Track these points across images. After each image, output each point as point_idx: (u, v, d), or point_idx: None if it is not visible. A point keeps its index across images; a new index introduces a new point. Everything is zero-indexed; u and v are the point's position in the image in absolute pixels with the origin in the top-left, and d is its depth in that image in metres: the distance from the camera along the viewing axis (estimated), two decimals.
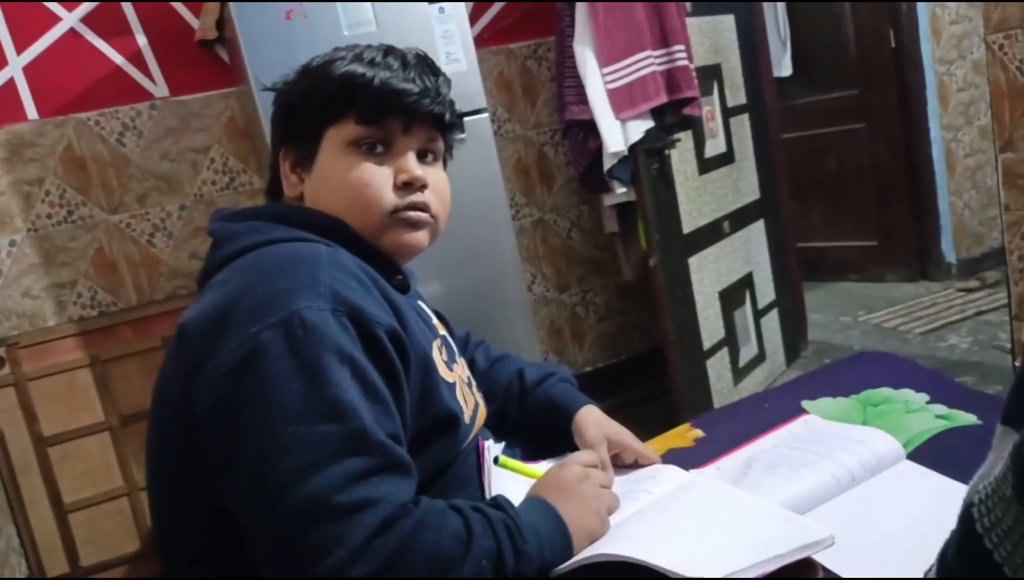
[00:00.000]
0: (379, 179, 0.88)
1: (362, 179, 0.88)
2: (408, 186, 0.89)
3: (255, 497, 0.69)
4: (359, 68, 0.88)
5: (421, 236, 0.92)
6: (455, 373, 0.94)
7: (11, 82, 2.14)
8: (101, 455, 2.21)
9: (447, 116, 0.93)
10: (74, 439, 2.18)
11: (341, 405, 0.70)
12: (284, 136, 0.95)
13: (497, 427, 1.08)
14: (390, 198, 0.89)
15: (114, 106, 2.24)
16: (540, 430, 1.09)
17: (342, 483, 0.66)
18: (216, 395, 0.72)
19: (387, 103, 0.88)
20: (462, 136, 1.05)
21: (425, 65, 0.92)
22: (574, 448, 1.03)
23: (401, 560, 0.66)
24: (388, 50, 0.92)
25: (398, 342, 0.79)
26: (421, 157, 0.93)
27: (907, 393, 1.14)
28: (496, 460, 0.94)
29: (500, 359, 1.17)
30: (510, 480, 0.94)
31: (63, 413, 2.17)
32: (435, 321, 1.00)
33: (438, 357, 0.90)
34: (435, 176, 0.94)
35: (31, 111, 2.17)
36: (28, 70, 2.15)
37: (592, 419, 1.04)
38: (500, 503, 0.78)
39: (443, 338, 0.97)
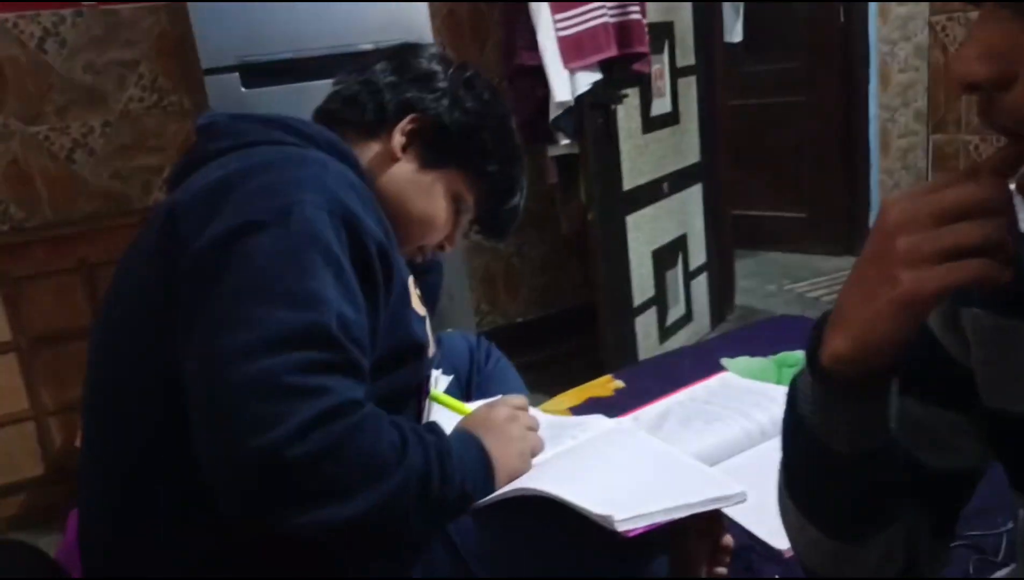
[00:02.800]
0: (442, 233, 1.01)
1: (437, 225, 0.98)
2: (441, 248, 1.04)
3: (207, 363, 0.68)
4: (517, 192, 1.07)
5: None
6: (424, 310, 0.95)
7: None
8: (7, 376, 2.11)
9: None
10: None
11: (314, 298, 0.70)
12: (432, 117, 0.96)
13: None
14: (429, 245, 1.01)
15: (35, 9, 2.10)
16: None
17: (296, 367, 0.66)
18: (199, 264, 0.72)
19: (506, 218, 1.07)
20: None
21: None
22: None
23: (337, 452, 0.66)
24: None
25: (385, 258, 0.80)
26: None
27: None
28: (427, 393, 0.95)
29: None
30: (441, 413, 0.94)
31: None
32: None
33: (413, 290, 0.93)
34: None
35: None
36: None
37: None
38: (435, 430, 0.79)
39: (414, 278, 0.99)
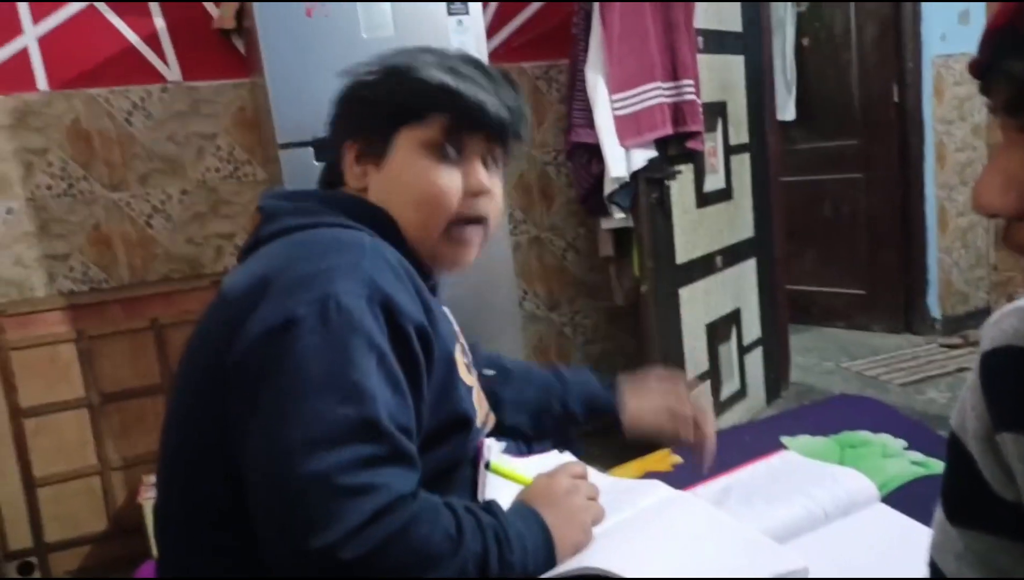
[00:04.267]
0: (452, 186, 0.90)
1: (437, 184, 0.89)
2: (475, 195, 0.91)
3: (264, 462, 0.70)
4: (453, 80, 0.89)
5: (471, 253, 0.95)
6: (473, 378, 0.96)
7: (24, 51, 2.15)
8: (77, 432, 2.19)
9: (521, 133, 0.96)
10: (51, 413, 2.16)
11: (361, 390, 0.71)
12: (352, 128, 0.94)
13: (530, 424, 1.12)
14: (456, 204, 0.90)
15: (125, 85, 2.25)
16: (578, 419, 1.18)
17: (349, 465, 0.68)
18: (245, 358, 0.74)
19: (478, 119, 0.90)
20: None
21: (509, 82, 0.94)
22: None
23: (392, 550, 0.67)
24: (476, 64, 0.93)
25: (424, 339, 0.81)
26: (484, 163, 0.94)
27: (885, 438, 1.16)
28: (488, 466, 0.95)
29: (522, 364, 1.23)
30: (499, 483, 0.95)
31: (43, 386, 2.15)
32: (456, 327, 1.02)
33: (460, 359, 0.92)
34: (495, 183, 0.95)
35: (41, 81, 2.17)
36: (43, 41, 2.16)
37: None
38: (492, 509, 0.79)
39: (463, 345, 0.99)
